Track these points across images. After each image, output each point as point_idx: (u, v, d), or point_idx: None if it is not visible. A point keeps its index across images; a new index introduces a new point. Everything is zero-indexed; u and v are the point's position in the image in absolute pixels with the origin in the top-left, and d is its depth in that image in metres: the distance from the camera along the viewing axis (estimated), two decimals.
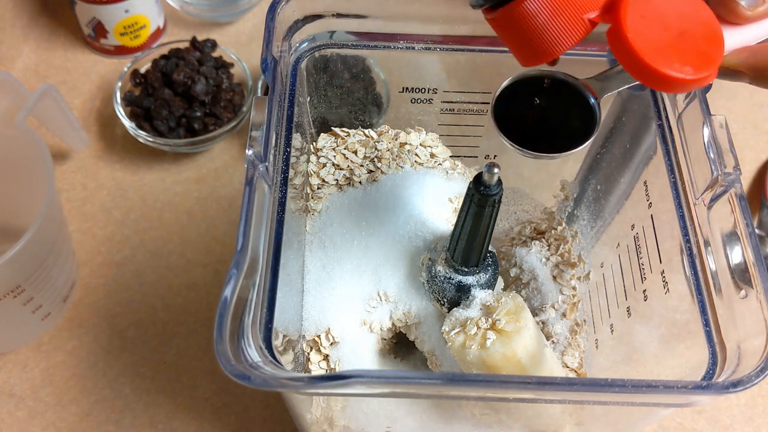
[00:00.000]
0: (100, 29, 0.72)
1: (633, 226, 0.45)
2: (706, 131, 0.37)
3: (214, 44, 0.71)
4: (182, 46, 0.71)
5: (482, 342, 0.38)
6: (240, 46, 0.76)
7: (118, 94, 0.68)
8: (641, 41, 0.30)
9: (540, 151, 0.37)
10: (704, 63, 0.31)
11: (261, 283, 0.33)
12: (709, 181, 0.37)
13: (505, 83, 0.38)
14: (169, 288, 0.61)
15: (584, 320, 0.47)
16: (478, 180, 0.36)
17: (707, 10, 0.33)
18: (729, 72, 0.36)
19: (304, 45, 0.45)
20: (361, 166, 0.48)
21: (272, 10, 0.41)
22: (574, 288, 0.48)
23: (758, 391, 0.57)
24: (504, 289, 0.47)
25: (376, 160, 0.48)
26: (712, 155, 0.37)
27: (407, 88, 0.49)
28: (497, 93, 0.38)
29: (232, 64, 0.71)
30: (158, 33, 0.76)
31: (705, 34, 0.32)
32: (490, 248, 0.42)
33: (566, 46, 0.33)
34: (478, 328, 0.39)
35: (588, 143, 0.37)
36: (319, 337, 0.43)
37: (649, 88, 0.44)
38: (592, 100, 0.37)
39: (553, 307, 0.47)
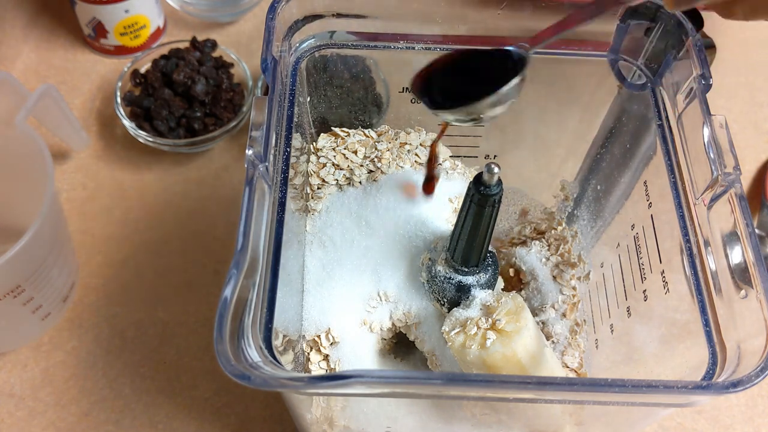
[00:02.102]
0: (100, 29, 0.72)
1: (633, 226, 0.45)
2: (706, 131, 0.37)
3: (214, 44, 0.71)
4: (182, 46, 0.71)
5: (482, 342, 0.38)
6: (240, 46, 0.76)
7: (118, 94, 0.68)
8: None
9: (467, 104, 0.36)
10: None
11: (261, 283, 0.33)
12: (709, 181, 0.37)
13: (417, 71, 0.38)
14: (169, 288, 0.61)
15: (584, 320, 0.47)
16: (478, 180, 0.36)
17: None
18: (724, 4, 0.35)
19: (304, 45, 0.45)
20: (361, 166, 0.48)
21: (272, 10, 0.41)
22: (574, 288, 0.48)
23: (758, 391, 0.57)
24: (504, 289, 0.47)
25: (376, 160, 0.48)
26: (712, 155, 0.37)
27: (407, 88, 0.49)
28: (414, 79, 0.38)
29: (232, 64, 0.71)
30: (158, 33, 0.76)
31: None
32: (490, 248, 0.42)
33: None
34: (478, 328, 0.39)
35: (515, 81, 0.36)
36: (319, 337, 0.43)
37: (649, 88, 0.44)
38: (513, 50, 0.36)
39: (553, 307, 0.47)
